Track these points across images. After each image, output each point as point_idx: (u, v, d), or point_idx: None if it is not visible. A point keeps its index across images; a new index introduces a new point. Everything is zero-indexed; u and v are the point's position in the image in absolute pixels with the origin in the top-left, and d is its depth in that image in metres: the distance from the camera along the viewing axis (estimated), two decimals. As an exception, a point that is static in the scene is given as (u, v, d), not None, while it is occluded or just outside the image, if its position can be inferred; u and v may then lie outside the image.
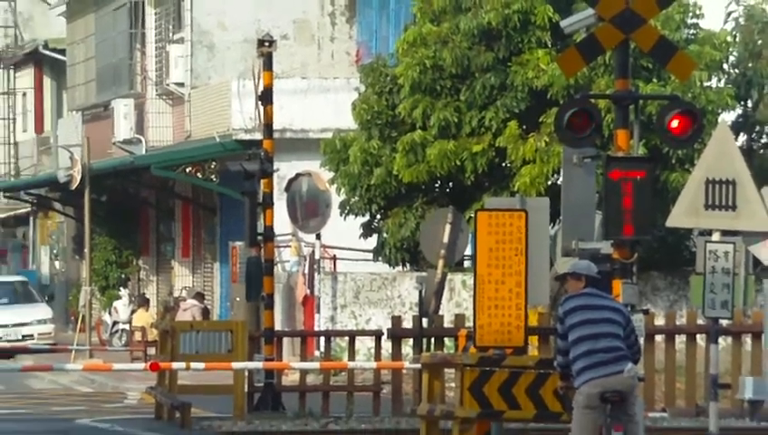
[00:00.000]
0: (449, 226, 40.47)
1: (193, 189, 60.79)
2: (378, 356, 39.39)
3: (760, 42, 43.72)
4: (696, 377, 34.47)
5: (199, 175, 57.52)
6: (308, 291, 47.34)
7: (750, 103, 43.00)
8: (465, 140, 41.91)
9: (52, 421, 39.74)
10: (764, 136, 42.92)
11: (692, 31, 40.41)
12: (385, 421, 35.26)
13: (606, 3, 26.75)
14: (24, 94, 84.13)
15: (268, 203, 41.12)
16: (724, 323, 31.05)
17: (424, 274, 43.91)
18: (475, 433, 26.29)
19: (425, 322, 39.35)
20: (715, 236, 29.10)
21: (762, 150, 41.29)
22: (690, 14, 39.78)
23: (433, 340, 37.78)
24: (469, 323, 31.28)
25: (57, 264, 76.80)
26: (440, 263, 41.44)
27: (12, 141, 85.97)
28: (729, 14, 43.62)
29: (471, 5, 42.52)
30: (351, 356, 39.90)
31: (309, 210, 44.34)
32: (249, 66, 46.77)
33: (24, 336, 61.30)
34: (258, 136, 43.59)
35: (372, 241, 45.99)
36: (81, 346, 59.31)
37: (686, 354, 35.14)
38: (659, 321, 36.29)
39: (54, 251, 77.88)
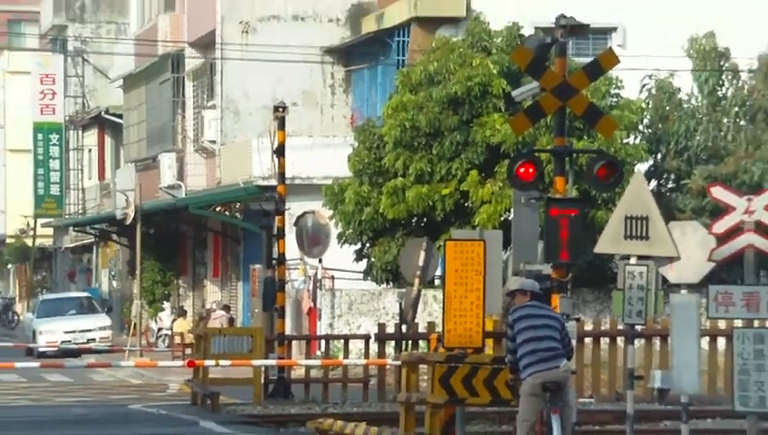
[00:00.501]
0: (423, 252, 40.20)
1: (222, 224, 60.49)
2: (366, 355, 39.92)
3: (667, 108, 44.38)
4: (616, 370, 35.14)
5: (227, 213, 58.32)
6: (312, 304, 47.38)
7: (659, 156, 44.08)
8: (437, 186, 42.09)
9: (110, 407, 40.94)
10: (670, 182, 43.52)
11: (614, 99, 41.12)
12: (372, 406, 35.70)
13: (547, 77, 28.21)
14: (90, 150, 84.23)
15: (281, 235, 41.91)
16: (638, 328, 31.03)
17: (403, 290, 43.69)
18: (443, 416, 26.91)
19: (404, 328, 40.09)
20: (633, 260, 28.62)
21: (668, 193, 42.15)
22: (613, 86, 40.71)
23: (410, 342, 38.44)
24: (439, 329, 31.37)
25: (114, 283, 76.91)
26: (416, 281, 41.05)
27: (80, 187, 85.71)
28: (643, 86, 44.46)
29: (441, 79, 42.69)
30: (346, 355, 40.67)
31: (313, 240, 45.10)
32: (267, 127, 46.75)
33: (88, 340, 61.55)
34: (273, 182, 43.06)
35: (362, 264, 46.71)
36: (133, 348, 60.10)
37: (608, 353, 35.91)
38: (588, 326, 36.66)
39: (112, 273, 78.19)
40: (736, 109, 44.52)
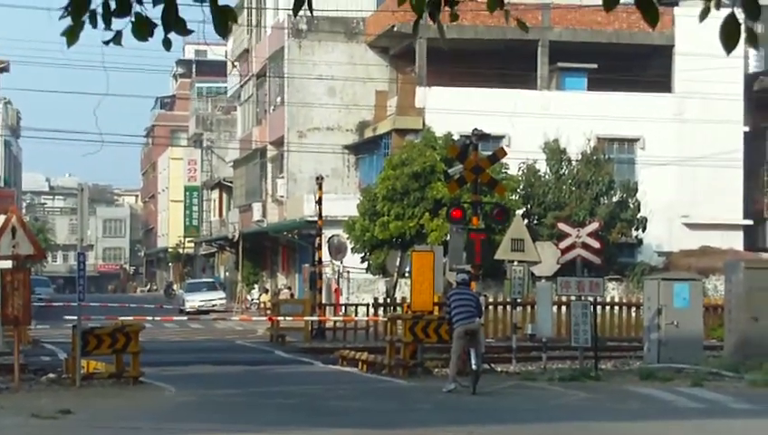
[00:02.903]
0: (399, 258, 40.66)
1: (287, 241, 58.81)
2: (367, 315, 38.76)
3: (533, 180, 43.51)
4: (506, 324, 33.84)
5: (289, 235, 56.71)
6: (337, 286, 45.93)
7: (529, 206, 42.94)
8: (406, 221, 40.57)
9: (224, 341, 40.35)
10: (535, 220, 42.33)
11: (504, 174, 39.62)
12: (371, 343, 34.25)
13: (467, 163, 28.39)
14: (214, 201, 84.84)
15: (319, 247, 41.48)
16: (518, 300, 30.33)
17: (388, 279, 43.46)
18: (411, 349, 26.03)
19: (388, 300, 39.68)
20: (515, 263, 28.78)
21: (534, 226, 40.65)
22: (503, 168, 39.02)
23: (392, 308, 37.61)
24: (408, 301, 30.78)
25: (227, 274, 76.62)
26: (396, 274, 41.47)
27: (209, 221, 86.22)
28: (519, 168, 43.02)
29: (408, 163, 41.12)
30: (356, 315, 39.93)
31: (337, 251, 44.45)
32: (312, 189, 45.93)
33: (212, 305, 60.93)
34: (315, 219, 42.43)
35: (365, 265, 44.55)
36: (237, 310, 59.97)
37: (502, 314, 35.11)
38: (491, 299, 35.38)
39: (225, 268, 78.32)
40: (570, 181, 44.09)
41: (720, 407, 20.26)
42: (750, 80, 51.64)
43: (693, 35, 42.77)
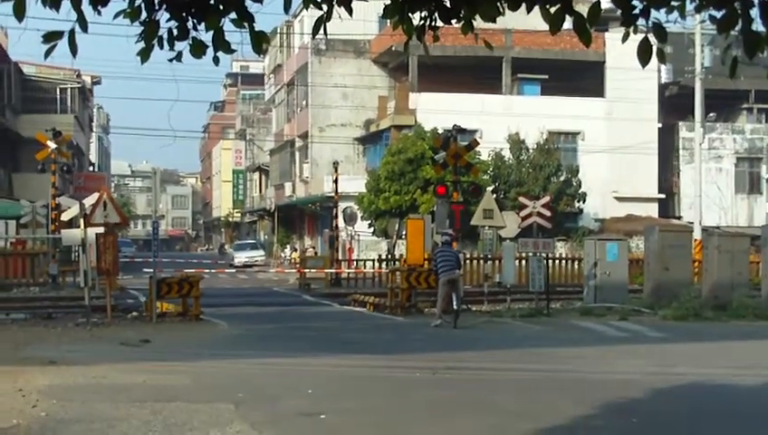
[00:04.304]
0: (397, 224, 39.84)
1: (312, 212, 58.00)
2: (374, 267, 37.97)
3: (499, 164, 43.00)
4: (480, 274, 32.29)
5: (313, 207, 56.01)
6: (350, 245, 45.14)
7: (497, 184, 42.16)
8: (403, 196, 40.12)
9: (265, 288, 39.03)
10: (502, 195, 41.52)
11: (477, 159, 38.56)
12: (376, 288, 33.54)
13: (449, 151, 27.67)
14: (255, 181, 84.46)
15: (336, 216, 41.53)
16: (489, 256, 30.58)
17: (389, 240, 42.62)
18: (407, 294, 25.71)
19: (390, 256, 39.21)
20: (486, 228, 29.22)
21: (501, 199, 39.83)
22: (476, 155, 37.46)
23: (393, 262, 36.92)
24: (405, 256, 29.63)
25: (266, 237, 74.41)
26: (395, 236, 40.75)
27: (251, 196, 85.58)
28: (489, 155, 42.25)
29: (404, 151, 40.72)
30: (365, 267, 38.86)
31: (350, 219, 43.77)
32: (330, 172, 45.20)
33: (255, 260, 59.66)
34: (333, 194, 41.92)
35: (371, 229, 43.72)
36: (274, 265, 58.11)
37: (476, 267, 33.32)
38: (468, 255, 32.87)
39: (264, 232, 76.39)
40: (527, 165, 43.71)
41: (640, 335, 20.44)
42: (662, 88, 51.61)
43: (619, 53, 43.45)
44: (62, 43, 4.63)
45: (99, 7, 4.60)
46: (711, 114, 49.27)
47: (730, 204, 51.10)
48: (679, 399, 12.09)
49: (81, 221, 22.10)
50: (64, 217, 34.13)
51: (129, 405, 10.97)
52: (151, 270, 23.51)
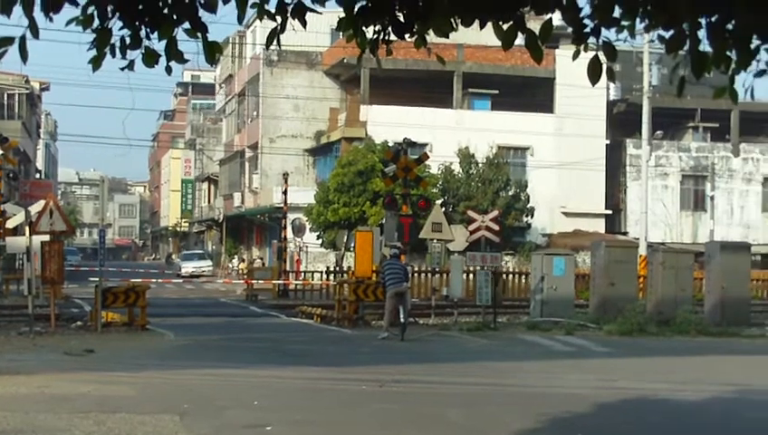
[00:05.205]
0: (345, 236, 39.56)
1: (260, 223, 57.84)
2: (321, 280, 37.78)
3: (449, 177, 43.01)
4: (427, 287, 32.27)
5: (262, 218, 55.65)
6: (298, 257, 45.34)
7: (446, 198, 42.07)
8: (352, 208, 39.96)
9: (211, 299, 39.03)
10: (451, 208, 41.38)
11: (427, 173, 38.43)
12: (324, 300, 33.27)
13: (399, 163, 28.07)
14: (204, 191, 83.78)
15: (284, 227, 40.74)
16: (437, 269, 30.75)
17: (337, 252, 42.56)
18: (354, 306, 25.60)
19: (338, 268, 39.05)
20: (435, 241, 28.76)
21: (450, 212, 39.78)
22: (426, 168, 37.43)
23: (341, 274, 36.54)
24: (353, 269, 30.06)
25: (213, 247, 74.06)
26: (343, 249, 40.72)
27: (200, 206, 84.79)
28: (439, 168, 42.25)
29: (354, 163, 40.48)
30: (313, 279, 38.65)
31: (299, 230, 43.90)
32: (280, 182, 44.49)
33: (202, 271, 59.43)
34: (282, 205, 41.40)
35: (319, 241, 43.24)
36: (221, 275, 57.97)
37: (424, 280, 33.64)
38: (416, 268, 33.66)
39: (212, 243, 75.08)
40: (477, 179, 43.75)
41: (585, 350, 20.48)
42: (611, 105, 51.99)
43: (569, 70, 43.28)
44: (12, 49, 4.59)
45: (51, 14, 4.56)
46: (658, 132, 49.78)
47: (675, 221, 51.59)
48: (623, 413, 12.17)
49: (27, 229, 21.87)
50: (9, 224, 33.51)
51: (73, 416, 10.86)
52: (97, 279, 23.26)
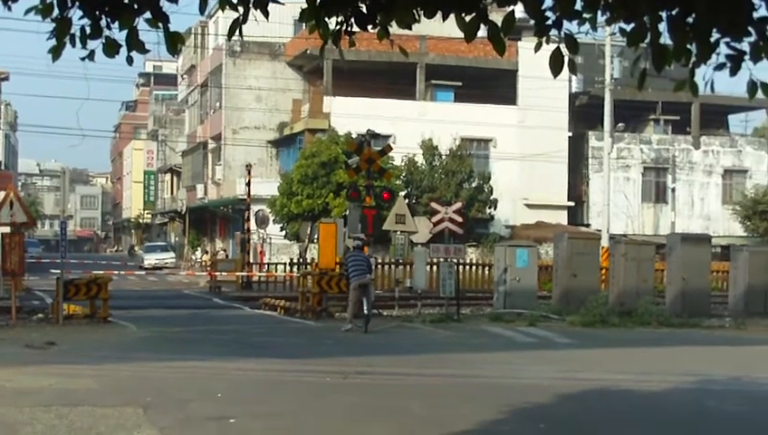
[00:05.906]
0: (309, 228, 39.72)
1: (223, 214, 57.74)
2: (285, 271, 37.85)
3: (412, 169, 43.14)
4: (391, 279, 32.25)
5: (224, 209, 55.58)
6: (261, 249, 45.20)
7: (410, 189, 42.22)
8: (315, 199, 39.54)
9: (174, 291, 38.79)
10: (414, 200, 41.42)
11: (391, 164, 38.25)
12: (288, 292, 33.27)
13: (363, 155, 28.18)
14: (166, 182, 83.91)
15: (248, 219, 41.66)
16: (400, 260, 30.62)
17: (301, 244, 42.33)
18: (318, 298, 25.56)
19: (301, 260, 38.97)
20: (398, 233, 28.47)
21: (414, 204, 39.84)
22: (389, 160, 37.33)
23: (304, 266, 36.31)
24: (316, 260, 29.73)
25: (176, 239, 74.03)
26: (307, 240, 40.67)
27: (163, 198, 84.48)
28: (402, 160, 42.29)
29: (317, 154, 40.07)
30: (276, 271, 38.76)
31: (262, 222, 43.63)
32: (243, 174, 44.82)
33: (165, 262, 59.31)
34: (245, 197, 42.02)
35: (283, 233, 42.78)
36: (184, 267, 58.06)
37: (388, 271, 33.26)
38: (379, 260, 33.25)
39: (175, 235, 75.45)
40: (440, 170, 43.82)
41: (548, 341, 20.59)
42: (573, 97, 52.12)
43: (532, 62, 43.65)
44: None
45: (9, 3, 4.56)
46: (620, 124, 49.96)
47: (637, 213, 52.00)
48: (586, 404, 12.23)
49: (-14, 221, 21.71)
50: (-32, 216, 33.32)
51: (34, 409, 10.77)
52: (58, 271, 23.13)
